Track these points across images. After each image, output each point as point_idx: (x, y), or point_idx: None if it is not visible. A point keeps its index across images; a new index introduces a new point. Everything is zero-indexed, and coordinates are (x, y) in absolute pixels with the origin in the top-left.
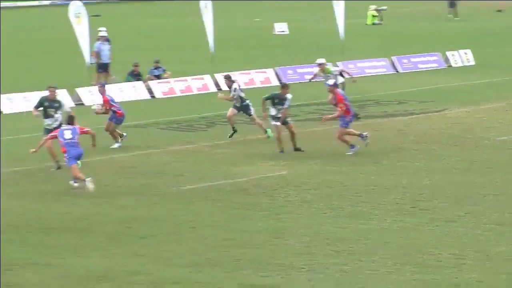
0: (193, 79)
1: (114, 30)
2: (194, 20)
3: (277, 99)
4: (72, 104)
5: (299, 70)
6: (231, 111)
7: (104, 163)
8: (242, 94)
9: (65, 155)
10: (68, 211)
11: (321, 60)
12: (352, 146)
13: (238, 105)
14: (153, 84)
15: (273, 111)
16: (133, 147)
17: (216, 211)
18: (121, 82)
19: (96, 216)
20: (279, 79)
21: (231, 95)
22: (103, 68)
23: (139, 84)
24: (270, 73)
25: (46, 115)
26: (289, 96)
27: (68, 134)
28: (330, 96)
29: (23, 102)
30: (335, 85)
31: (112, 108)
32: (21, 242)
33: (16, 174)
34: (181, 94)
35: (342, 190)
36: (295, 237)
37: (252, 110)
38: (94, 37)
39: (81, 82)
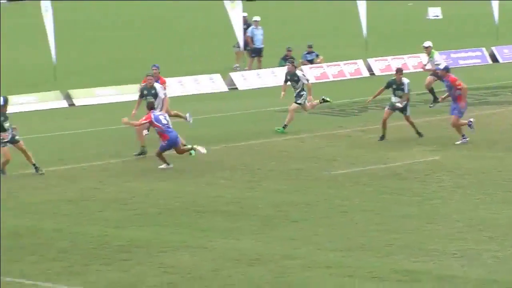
0: (345, 64)
1: (268, 15)
2: (347, 5)
3: (395, 85)
4: (226, 89)
5: (453, 56)
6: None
7: (256, 147)
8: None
9: (164, 139)
10: (221, 195)
11: (428, 43)
12: (463, 136)
13: (295, 94)
14: (306, 68)
15: (393, 99)
16: (286, 132)
17: (368, 196)
18: (275, 66)
19: (248, 200)
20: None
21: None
22: (256, 53)
23: None
24: (423, 58)
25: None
26: (405, 80)
27: (164, 120)
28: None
29: (193, 84)
30: (447, 69)
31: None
32: (175, 224)
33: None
34: (334, 79)
35: (496, 176)
36: (447, 222)
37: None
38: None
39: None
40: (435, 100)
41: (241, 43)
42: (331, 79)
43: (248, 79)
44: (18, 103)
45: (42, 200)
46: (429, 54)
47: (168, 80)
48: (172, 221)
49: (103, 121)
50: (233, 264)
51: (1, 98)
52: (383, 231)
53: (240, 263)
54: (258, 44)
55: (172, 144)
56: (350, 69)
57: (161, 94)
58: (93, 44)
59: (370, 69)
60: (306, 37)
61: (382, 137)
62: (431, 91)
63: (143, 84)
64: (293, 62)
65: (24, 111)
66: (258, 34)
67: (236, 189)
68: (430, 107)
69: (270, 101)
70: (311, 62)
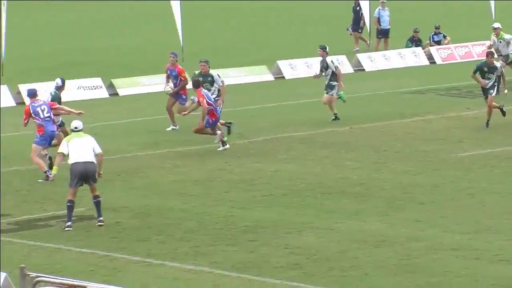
0: (473, 45)
1: None
2: None
3: (486, 68)
4: (352, 70)
5: None
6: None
7: (382, 129)
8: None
9: (212, 118)
10: (347, 176)
11: (497, 24)
12: None
13: (326, 83)
14: (433, 50)
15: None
16: (410, 114)
17: (495, 178)
18: (402, 47)
19: (374, 181)
20: None
21: (333, 69)
22: (383, 34)
23: (419, 50)
24: None
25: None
26: (498, 64)
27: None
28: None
29: (304, 67)
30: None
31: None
32: (301, 206)
33: (291, 138)
34: (461, 60)
35: None
36: None
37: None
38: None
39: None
40: None
41: (358, 25)
42: (459, 60)
43: (375, 61)
44: (146, 84)
45: (169, 180)
46: (498, 36)
47: (296, 62)
48: (297, 203)
49: (230, 102)
50: (359, 246)
51: (59, 80)
52: (511, 214)
53: (366, 245)
54: (385, 25)
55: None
56: (479, 50)
57: (219, 82)
58: (221, 25)
59: (498, 51)
60: (433, 17)
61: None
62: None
63: (197, 72)
64: (325, 49)
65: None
66: (385, 15)
67: (362, 170)
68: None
69: (397, 82)
70: (438, 43)
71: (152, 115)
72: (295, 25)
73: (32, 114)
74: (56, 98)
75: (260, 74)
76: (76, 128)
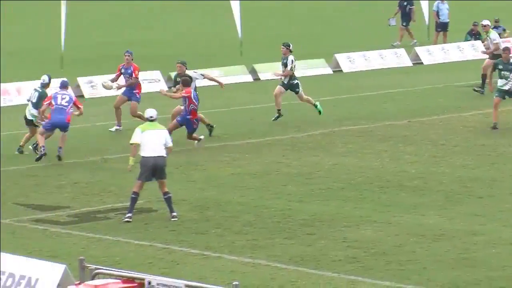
0: None
1: None
2: None
3: (501, 66)
4: (410, 63)
5: None
6: (278, 89)
7: (441, 122)
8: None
9: (194, 118)
10: (405, 170)
11: (486, 22)
12: None
13: (285, 82)
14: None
15: (500, 82)
16: (468, 107)
17: None
18: (460, 41)
19: (432, 175)
20: None
21: (288, 68)
22: (441, 27)
23: (478, 44)
24: None
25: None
26: None
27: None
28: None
29: (362, 60)
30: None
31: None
32: (359, 199)
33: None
34: None
35: None
36: None
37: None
38: None
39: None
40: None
41: (405, 20)
42: None
43: (433, 54)
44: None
45: (227, 173)
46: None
47: (354, 55)
48: (355, 196)
49: (287, 95)
50: (417, 240)
51: (46, 77)
52: None
53: (424, 239)
54: (444, 18)
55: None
56: None
57: (199, 77)
58: (279, 18)
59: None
60: (491, 11)
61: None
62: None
63: (175, 73)
64: (289, 46)
65: (211, 85)
66: (444, 8)
67: (420, 164)
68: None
69: (455, 76)
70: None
71: (209, 108)
72: (354, 18)
73: (52, 100)
74: (43, 95)
75: (318, 68)
76: (151, 117)
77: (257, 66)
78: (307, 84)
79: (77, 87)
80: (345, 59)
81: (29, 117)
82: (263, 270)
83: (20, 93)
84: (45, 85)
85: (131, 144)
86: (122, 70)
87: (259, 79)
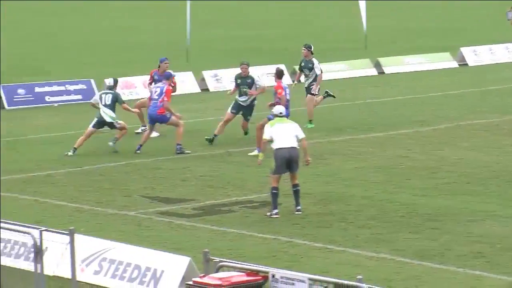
0: None
1: None
2: None
3: None
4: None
5: None
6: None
7: None
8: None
9: None
10: None
11: None
12: None
13: (306, 86)
14: None
15: None
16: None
17: None
18: None
19: None
20: None
21: (317, 71)
22: None
23: None
24: None
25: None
26: None
27: None
28: None
29: (488, 54)
30: None
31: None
32: (485, 194)
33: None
34: None
35: None
36: None
37: None
38: None
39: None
40: None
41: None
42: None
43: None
44: (331, 71)
45: (351, 167)
46: None
47: (480, 48)
48: (481, 191)
49: (411, 89)
50: None
51: (112, 80)
52: None
53: None
54: None
55: None
56: None
57: (260, 83)
58: (405, 12)
59: None
60: None
61: None
62: None
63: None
64: (311, 47)
65: (336, 78)
66: None
67: None
68: None
69: None
70: None
71: (332, 102)
72: (480, 11)
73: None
74: (116, 96)
75: (443, 61)
76: (281, 113)
77: (382, 60)
78: (431, 77)
79: (202, 81)
80: (470, 52)
81: (109, 120)
82: (387, 264)
83: (146, 86)
84: (111, 88)
85: (262, 140)
86: (156, 77)
87: (384, 72)
